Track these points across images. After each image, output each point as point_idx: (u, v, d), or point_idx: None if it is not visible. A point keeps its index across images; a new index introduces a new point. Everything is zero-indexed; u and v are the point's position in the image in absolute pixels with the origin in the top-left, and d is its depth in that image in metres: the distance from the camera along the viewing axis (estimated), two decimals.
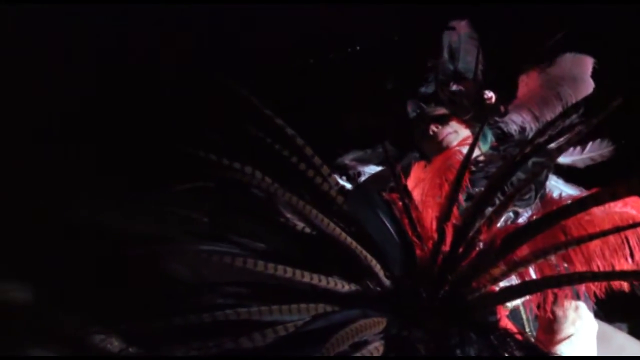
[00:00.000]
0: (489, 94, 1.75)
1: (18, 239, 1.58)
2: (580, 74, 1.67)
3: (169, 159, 1.32)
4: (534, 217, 1.27)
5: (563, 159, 1.82)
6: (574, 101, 1.64)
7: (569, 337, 1.37)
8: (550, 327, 1.43)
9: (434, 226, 1.44)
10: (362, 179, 1.82)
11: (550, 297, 1.18)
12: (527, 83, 1.74)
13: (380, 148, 1.80)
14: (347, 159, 1.84)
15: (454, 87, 1.83)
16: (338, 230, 1.29)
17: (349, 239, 1.29)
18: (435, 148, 1.76)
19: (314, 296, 1.26)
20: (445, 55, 1.94)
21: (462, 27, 1.95)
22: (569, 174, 1.81)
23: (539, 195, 1.59)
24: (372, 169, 1.82)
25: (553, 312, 1.40)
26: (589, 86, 1.71)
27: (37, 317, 1.50)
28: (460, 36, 1.97)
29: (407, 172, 1.61)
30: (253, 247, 1.40)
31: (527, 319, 1.68)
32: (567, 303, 1.35)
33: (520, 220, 1.55)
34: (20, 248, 1.58)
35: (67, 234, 1.54)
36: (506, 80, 1.76)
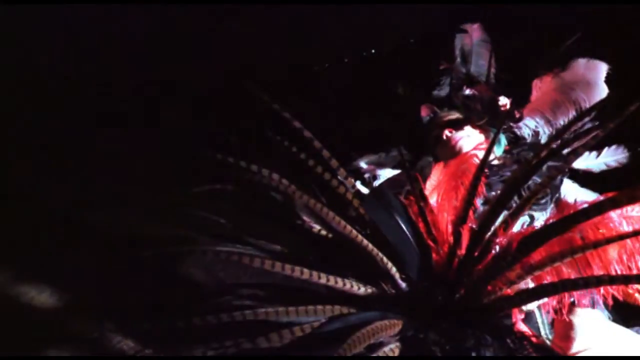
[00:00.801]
0: (504, 101, 1.76)
1: (38, 241, 1.61)
2: (594, 79, 1.67)
3: (188, 162, 1.34)
4: (550, 220, 1.27)
5: (578, 164, 1.82)
6: (587, 106, 1.64)
7: (585, 345, 1.36)
8: (567, 334, 1.43)
9: (450, 229, 1.45)
10: (377, 182, 1.82)
11: (567, 301, 1.19)
12: (541, 87, 1.75)
13: (394, 152, 1.80)
14: (362, 162, 1.85)
15: (467, 91, 1.84)
16: (355, 232, 1.30)
17: (365, 242, 1.30)
18: (449, 153, 1.76)
19: (331, 298, 1.27)
20: (458, 58, 1.95)
21: (475, 30, 1.95)
22: (584, 178, 1.80)
23: (554, 200, 1.59)
24: (388, 173, 1.82)
25: (570, 320, 1.40)
26: (602, 91, 1.71)
27: (58, 319, 1.53)
28: (472, 39, 1.97)
29: (422, 176, 1.61)
30: (270, 248, 1.41)
31: (543, 322, 1.68)
32: (583, 310, 1.35)
33: (536, 224, 1.55)
34: (40, 251, 1.60)
35: (86, 236, 1.56)
36: (519, 84, 1.76)
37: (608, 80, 1.65)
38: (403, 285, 1.32)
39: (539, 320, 1.67)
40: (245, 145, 1.42)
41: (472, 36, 1.97)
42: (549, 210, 1.58)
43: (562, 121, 1.65)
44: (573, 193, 1.76)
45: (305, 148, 1.35)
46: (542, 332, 1.73)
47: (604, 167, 1.78)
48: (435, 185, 1.55)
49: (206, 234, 1.42)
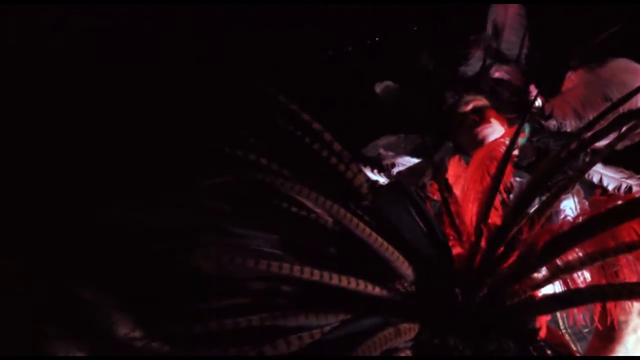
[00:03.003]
0: (537, 103, 1.63)
1: (47, 238, 1.58)
2: (631, 82, 1.53)
3: (196, 155, 1.28)
4: (581, 217, 1.17)
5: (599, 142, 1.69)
6: (625, 109, 1.49)
7: (630, 349, 1.25)
8: (608, 333, 1.33)
9: (474, 222, 1.36)
10: (396, 170, 1.73)
11: (599, 308, 1.09)
12: (573, 80, 1.62)
13: (413, 135, 1.70)
14: (380, 144, 1.74)
15: (497, 74, 1.72)
16: (368, 229, 1.22)
17: (379, 239, 1.22)
18: (472, 140, 1.66)
19: (342, 300, 1.20)
20: (489, 30, 1.81)
21: (512, 5, 1.81)
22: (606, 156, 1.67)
23: (577, 182, 1.47)
24: (406, 161, 1.73)
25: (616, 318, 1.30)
26: (637, 96, 1.57)
27: (65, 316, 1.50)
28: (507, 12, 1.83)
29: (443, 164, 1.52)
30: (279, 244, 1.35)
31: (561, 315, 1.59)
32: (629, 306, 1.24)
33: (561, 206, 1.44)
34: (49, 248, 1.57)
35: (93, 231, 1.53)
36: (551, 71, 1.64)
37: None
38: (419, 285, 1.24)
39: (558, 314, 1.57)
40: (254, 138, 1.35)
41: (508, 8, 1.83)
42: (574, 193, 1.47)
43: (591, 117, 1.52)
44: (597, 172, 1.64)
45: (315, 140, 1.27)
46: (562, 327, 1.64)
47: (627, 143, 1.65)
48: (459, 175, 1.46)
49: (214, 228, 1.37)
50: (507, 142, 1.52)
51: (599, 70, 1.60)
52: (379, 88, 1.76)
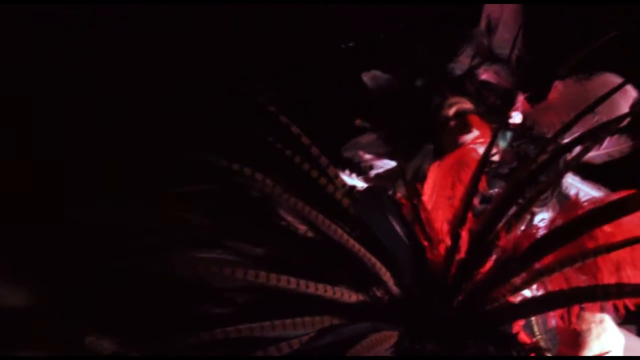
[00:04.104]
0: (517, 119, 1.62)
1: (14, 240, 1.50)
2: (618, 98, 1.54)
3: (169, 161, 1.23)
4: (557, 220, 1.18)
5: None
6: (604, 119, 1.51)
7: (595, 353, 1.28)
8: (574, 341, 1.34)
9: (445, 229, 1.35)
10: (374, 172, 1.70)
11: (577, 310, 1.10)
12: (560, 89, 1.63)
13: (394, 133, 1.65)
14: (361, 142, 1.68)
15: (484, 76, 1.71)
16: (345, 235, 1.20)
17: (356, 245, 1.20)
18: (452, 145, 1.65)
19: (320, 308, 1.17)
20: (483, 26, 1.78)
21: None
22: (584, 170, 1.70)
23: (554, 195, 1.49)
24: (385, 163, 1.70)
25: (576, 326, 1.32)
26: (617, 107, 1.59)
27: (33, 321, 1.42)
28: (504, 9, 1.80)
29: (421, 169, 1.51)
30: (254, 253, 1.31)
31: (536, 321, 1.60)
32: (591, 316, 1.26)
33: (537, 220, 1.45)
34: (16, 251, 1.49)
35: (64, 236, 1.46)
36: (540, 77, 1.64)
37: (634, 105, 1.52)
38: (397, 291, 1.23)
39: (532, 319, 1.58)
40: (227, 143, 1.32)
41: (504, 6, 1.80)
42: (550, 205, 1.49)
43: (577, 128, 1.53)
44: (574, 186, 1.66)
45: (292, 144, 1.24)
46: (536, 331, 1.65)
47: (606, 159, 1.69)
48: (432, 182, 1.45)
49: (186, 237, 1.32)
50: (478, 148, 1.54)
51: (587, 82, 1.61)
52: (366, 77, 1.72)
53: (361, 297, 1.21)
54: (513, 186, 1.18)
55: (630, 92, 1.54)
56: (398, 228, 1.25)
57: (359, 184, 1.47)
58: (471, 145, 1.52)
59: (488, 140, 1.63)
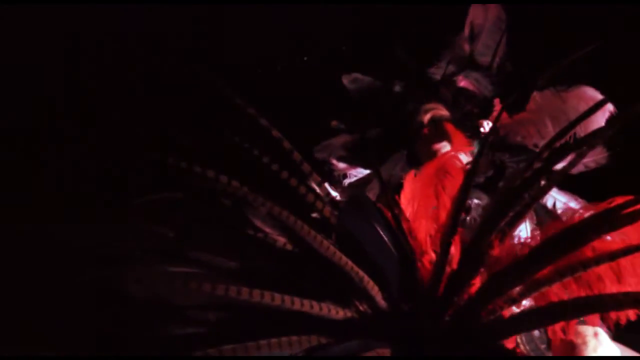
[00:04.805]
0: (486, 127, 1.59)
1: None
2: (597, 114, 1.53)
3: (135, 167, 1.13)
4: (548, 230, 1.14)
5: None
6: (581, 134, 1.50)
7: None
8: (571, 353, 1.31)
9: (428, 240, 1.30)
10: (347, 181, 1.63)
11: (574, 322, 1.05)
12: (538, 100, 1.60)
13: (366, 136, 1.58)
14: (335, 144, 1.59)
15: (462, 83, 1.68)
16: (331, 247, 1.11)
17: (344, 258, 1.12)
18: (426, 152, 1.60)
19: (307, 326, 1.09)
20: (466, 32, 1.74)
21: (493, 8, 1.74)
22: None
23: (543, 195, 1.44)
24: (358, 172, 1.62)
25: (571, 340, 1.28)
26: (601, 124, 1.58)
27: None
28: (488, 14, 1.77)
29: (394, 177, 1.45)
30: (227, 266, 1.21)
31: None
32: (586, 329, 1.22)
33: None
34: None
35: (18, 248, 1.32)
36: (520, 86, 1.61)
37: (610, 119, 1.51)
38: (385, 306, 1.16)
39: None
40: (199, 147, 1.22)
41: (489, 10, 1.76)
42: (527, 220, 1.45)
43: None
44: (551, 196, 1.65)
45: (270, 150, 1.16)
46: (518, 341, 1.61)
47: (582, 169, 1.68)
48: (410, 191, 1.40)
49: (151, 250, 1.21)
50: (459, 155, 1.49)
51: (565, 95, 1.59)
52: (346, 79, 1.66)
53: (348, 313, 1.13)
54: (504, 196, 1.13)
55: (607, 106, 1.54)
56: (386, 239, 1.18)
57: (333, 192, 1.40)
58: (452, 153, 1.48)
59: (463, 148, 1.62)
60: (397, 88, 1.66)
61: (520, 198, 1.15)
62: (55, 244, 1.22)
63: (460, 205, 1.18)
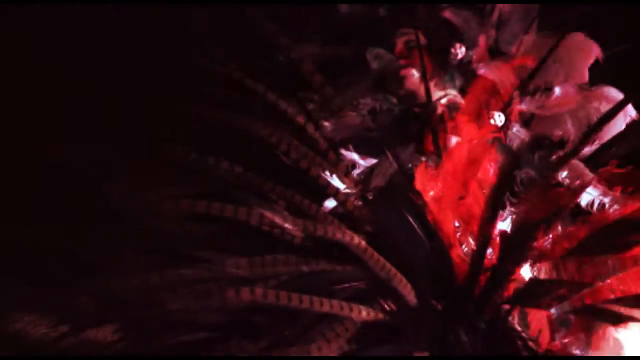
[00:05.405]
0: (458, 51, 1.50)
1: None
2: (619, 116, 1.45)
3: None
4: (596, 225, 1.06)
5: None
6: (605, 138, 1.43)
7: None
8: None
9: (456, 230, 1.21)
10: (356, 172, 1.52)
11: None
12: (562, 93, 1.52)
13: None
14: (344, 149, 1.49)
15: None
16: (363, 243, 1.02)
17: (375, 254, 1.02)
18: (439, 139, 1.50)
19: (338, 330, 0.99)
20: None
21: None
22: None
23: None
24: (367, 162, 1.52)
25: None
26: (621, 127, 1.51)
27: None
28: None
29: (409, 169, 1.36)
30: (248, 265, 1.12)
31: None
32: (609, 331, 1.15)
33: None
34: None
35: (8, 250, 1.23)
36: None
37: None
38: (416, 304, 1.06)
39: None
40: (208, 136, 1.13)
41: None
42: None
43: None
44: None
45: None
46: None
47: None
48: (429, 181, 1.31)
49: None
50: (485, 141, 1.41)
51: (589, 93, 1.52)
52: (370, 55, 1.57)
53: (379, 314, 1.03)
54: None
55: (629, 109, 1.48)
56: (419, 232, 1.08)
57: (342, 185, 1.31)
58: (474, 141, 1.39)
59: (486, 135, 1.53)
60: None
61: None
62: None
63: (500, 192, 1.09)
